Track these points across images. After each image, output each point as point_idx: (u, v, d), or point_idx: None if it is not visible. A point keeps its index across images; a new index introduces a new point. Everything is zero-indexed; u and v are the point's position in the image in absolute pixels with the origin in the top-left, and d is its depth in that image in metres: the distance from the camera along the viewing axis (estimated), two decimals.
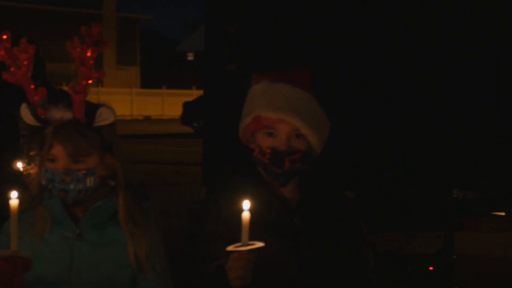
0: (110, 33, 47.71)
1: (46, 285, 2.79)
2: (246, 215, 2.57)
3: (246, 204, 2.57)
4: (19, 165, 3.03)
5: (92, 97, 2.85)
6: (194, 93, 40.81)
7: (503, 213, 7.01)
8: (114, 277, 2.81)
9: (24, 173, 2.83)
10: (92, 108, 2.79)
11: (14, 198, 2.50)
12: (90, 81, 2.74)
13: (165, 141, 24.77)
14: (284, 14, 6.09)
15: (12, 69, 2.74)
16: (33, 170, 2.81)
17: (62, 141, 2.75)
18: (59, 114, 2.77)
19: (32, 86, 2.77)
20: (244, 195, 2.60)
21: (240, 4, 6.18)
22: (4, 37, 2.73)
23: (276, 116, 3.01)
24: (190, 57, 69.03)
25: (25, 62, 2.74)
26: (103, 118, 2.79)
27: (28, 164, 2.81)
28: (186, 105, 30.91)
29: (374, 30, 6.27)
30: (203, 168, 6.32)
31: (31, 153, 2.80)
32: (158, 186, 12.81)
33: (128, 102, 39.91)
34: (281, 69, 3.12)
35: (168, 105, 43.14)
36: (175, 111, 37.69)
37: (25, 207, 2.75)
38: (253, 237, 2.59)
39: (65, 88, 3.09)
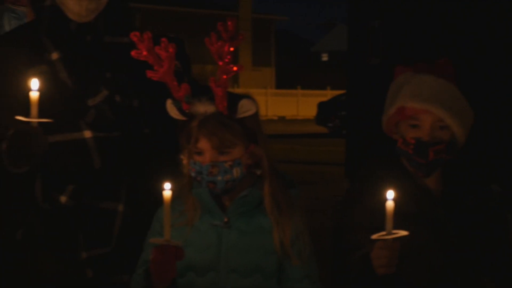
0: (245, 34, 48.20)
1: (196, 271, 2.86)
2: (390, 204, 2.61)
3: (390, 194, 2.62)
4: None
5: None
6: (328, 94, 40.82)
7: None
8: (261, 264, 2.87)
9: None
10: (234, 100, 2.86)
11: (167, 189, 2.60)
12: (229, 75, 2.82)
13: (300, 141, 24.89)
14: (427, 7, 6.07)
15: (155, 67, 2.85)
16: (184, 161, 2.92)
17: (207, 135, 2.82)
18: (202, 108, 2.85)
19: (175, 83, 2.86)
20: (388, 185, 2.64)
21: None
22: (146, 37, 2.85)
23: (420, 107, 3.05)
24: (325, 57, 69.10)
25: (166, 61, 2.84)
26: (245, 110, 2.86)
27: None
28: (321, 105, 30.99)
29: None
30: (346, 160, 6.36)
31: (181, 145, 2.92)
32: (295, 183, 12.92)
33: (263, 102, 40.24)
34: (425, 61, 3.15)
35: (302, 105, 43.30)
36: (310, 111, 37.83)
37: (176, 196, 2.86)
38: (396, 226, 2.64)
39: None
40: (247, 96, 2.90)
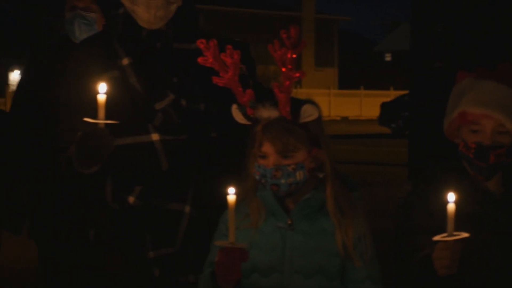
0: (309, 35, 48.20)
1: (261, 272, 2.91)
2: (451, 206, 2.66)
3: (451, 196, 2.67)
4: None
5: None
6: (391, 94, 40.58)
7: None
8: (324, 265, 2.90)
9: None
10: (297, 105, 2.92)
11: (231, 194, 2.67)
12: (291, 81, 2.87)
13: (363, 141, 24.81)
14: (492, 13, 6.05)
15: (221, 74, 2.93)
16: (249, 165, 2.99)
17: (271, 139, 2.88)
18: (266, 112, 2.91)
19: (240, 89, 2.93)
20: (449, 188, 2.69)
21: (448, 2, 6.20)
22: (212, 44, 2.93)
23: (481, 112, 3.09)
24: (388, 57, 68.64)
25: (232, 67, 2.91)
26: (308, 114, 2.91)
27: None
28: (384, 105, 30.84)
29: None
30: (409, 163, 6.36)
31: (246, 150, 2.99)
32: (358, 185, 12.88)
33: (326, 103, 40.21)
34: (487, 66, 3.19)
35: (365, 105, 43.13)
36: (373, 111, 37.65)
37: (241, 199, 2.91)
38: (457, 228, 2.68)
39: None
40: (309, 101, 2.96)
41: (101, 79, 3.02)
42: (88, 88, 3.11)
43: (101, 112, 2.90)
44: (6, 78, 48.65)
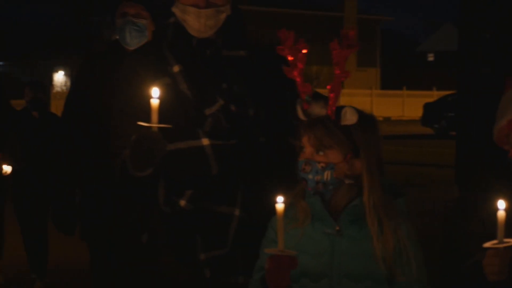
0: None
1: (310, 277, 2.93)
2: (502, 214, 2.68)
3: (502, 204, 2.69)
4: None
5: None
6: (434, 94, 40.36)
7: None
8: (372, 270, 2.92)
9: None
10: (340, 108, 2.96)
11: (280, 202, 2.71)
12: (340, 81, 2.93)
13: (406, 142, 24.70)
14: None
15: (290, 65, 2.98)
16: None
17: (309, 132, 2.93)
18: (317, 109, 2.96)
19: (303, 81, 2.98)
20: (499, 195, 2.71)
21: (497, 9, 6.21)
22: (291, 35, 2.97)
23: None
24: (431, 57, 68.20)
25: (300, 62, 2.97)
26: (347, 118, 2.93)
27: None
28: (427, 106, 30.69)
29: None
30: (456, 167, 6.37)
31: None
32: (404, 191, 12.84)
33: (368, 103, 40.09)
34: None
35: (408, 106, 42.93)
36: (415, 112, 37.49)
37: (290, 202, 2.94)
38: (508, 235, 2.71)
39: None
40: (350, 107, 2.97)
41: (153, 85, 3.09)
42: (140, 95, 3.18)
43: (154, 116, 2.98)
44: (51, 78, 49.14)
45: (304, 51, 2.97)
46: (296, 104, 2.99)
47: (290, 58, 2.97)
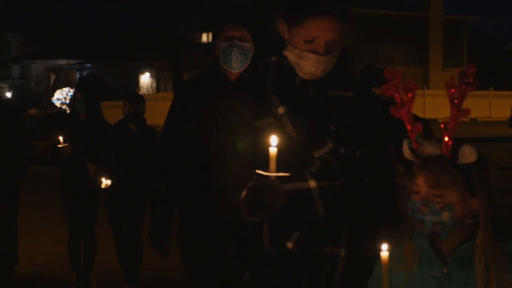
0: (437, 35, 47.52)
1: None
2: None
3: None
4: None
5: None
6: None
7: None
8: None
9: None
10: (457, 145, 2.91)
11: (384, 250, 2.71)
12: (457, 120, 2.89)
13: (493, 144, 24.26)
14: None
15: (398, 105, 2.94)
16: (404, 202, 2.98)
17: (425, 173, 2.88)
18: (430, 149, 2.91)
19: (412, 122, 2.94)
20: None
21: None
22: (398, 74, 2.93)
23: None
24: None
25: (408, 101, 2.93)
26: (465, 156, 2.88)
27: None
28: None
29: None
30: None
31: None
32: None
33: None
34: None
35: (495, 106, 42.30)
36: (503, 113, 36.89)
37: (395, 243, 2.94)
38: None
39: None
40: (468, 145, 2.93)
41: (256, 126, 3.11)
42: (245, 134, 3.21)
43: (272, 165, 2.94)
44: (137, 80, 49.84)
45: (413, 91, 2.93)
46: (401, 143, 2.96)
47: (397, 97, 2.95)
